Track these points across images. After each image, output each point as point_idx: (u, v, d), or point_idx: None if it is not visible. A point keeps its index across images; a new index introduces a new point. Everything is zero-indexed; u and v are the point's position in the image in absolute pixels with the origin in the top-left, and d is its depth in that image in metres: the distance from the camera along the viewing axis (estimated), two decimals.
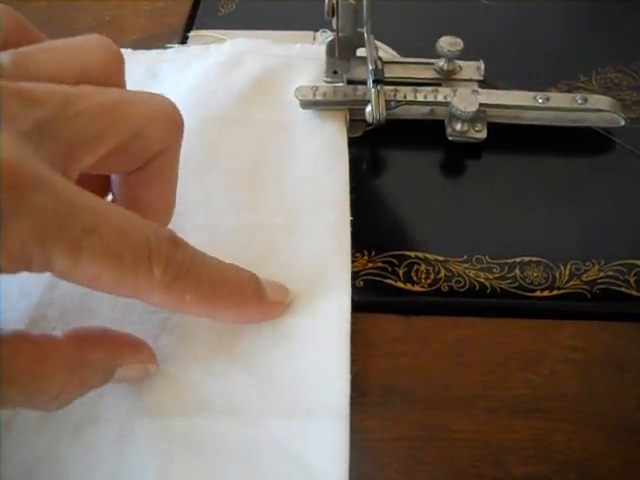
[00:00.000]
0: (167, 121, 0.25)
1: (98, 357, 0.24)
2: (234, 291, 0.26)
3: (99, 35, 0.26)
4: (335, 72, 0.37)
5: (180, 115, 0.26)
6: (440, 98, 0.35)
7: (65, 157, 0.22)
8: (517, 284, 0.30)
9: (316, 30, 0.41)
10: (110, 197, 0.28)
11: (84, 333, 0.24)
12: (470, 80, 0.37)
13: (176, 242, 0.23)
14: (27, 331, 0.22)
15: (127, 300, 0.28)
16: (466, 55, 0.36)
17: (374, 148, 0.36)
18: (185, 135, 0.34)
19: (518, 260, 0.31)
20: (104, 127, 0.23)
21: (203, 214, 0.31)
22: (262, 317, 0.28)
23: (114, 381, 0.25)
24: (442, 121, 0.35)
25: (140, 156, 0.25)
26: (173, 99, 0.35)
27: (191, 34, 0.42)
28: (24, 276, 0.29)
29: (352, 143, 0.35)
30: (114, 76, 0.25)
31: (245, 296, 0.26)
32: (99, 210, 0.21)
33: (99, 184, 0.27)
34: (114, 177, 0.27)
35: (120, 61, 0.26)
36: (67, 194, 0.20)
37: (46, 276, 0.29)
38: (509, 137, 0.35)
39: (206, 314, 0.26)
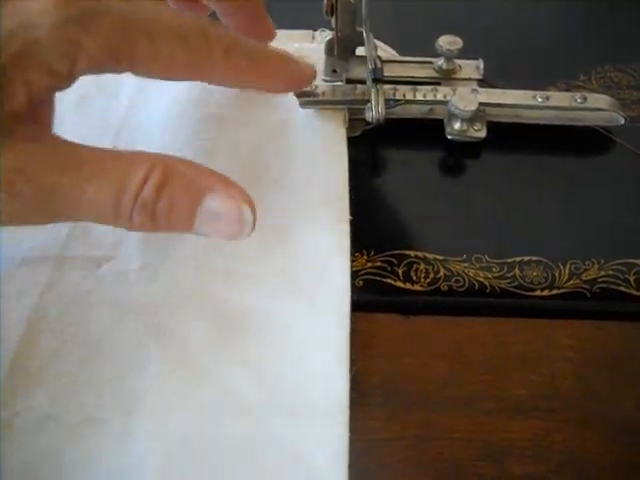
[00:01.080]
0: None
1: (183, 169, 0.25)
2: (275, 55, 0.30)
3: None
4: (334, 71, 0.37)
5: None
6: (439, 97, 0.35)
7: None
8: (516, 283, 0.30)
9: (315, 29, 0.41)
10: None
11: (172, 155, 0.26)
12: (469, 79, 0.37)
13: (223, 26, 0.30)
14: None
15: (125, 302, 0.28)
16: (465, 54, 0.36)
17: (373, 147, 0.36)
18: (183, 135, 0.34)
19: (518, 259, 0.31)
20: None
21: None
22: (300, 79, 0.32)
23: (205, 218, 0.25)
24: (441, 120, 0.35)
25: None
26: (171, 100, 0.36)
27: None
28: (23, 276, 0.29)
29: (351, 142, 0.34)
30: None
31: (284, 59, 0.30)
32: (156, 4, 0.26)
33: None
34: None
35: None
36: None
37: (45, 276, 0.30)
38: (508, 136, 0.35)
39: (258, 82, 0.30)
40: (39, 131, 0.24)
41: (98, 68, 0.24)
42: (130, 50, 0.24)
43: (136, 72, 0.26)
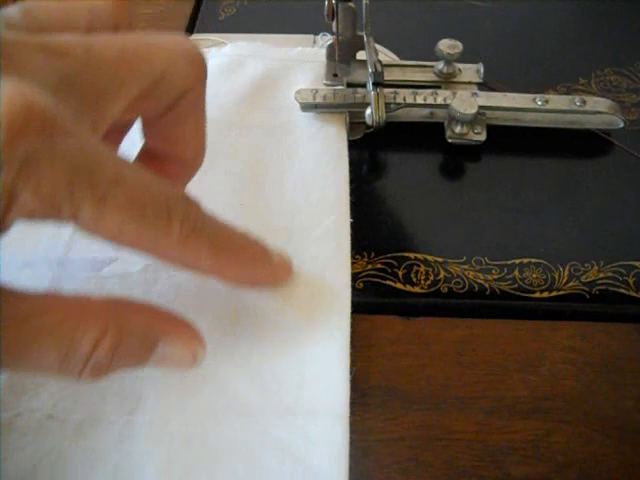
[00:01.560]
0: (189, 60, 0.25)
1: (136, 321, 0.23)
2: (245, 248, 0.26)
3: None
4: (335, 75, 0.38)
5: (202, 53, 0.25)
6: (440, 101, 0.35)
7: (93, 108, 0.22)
8: (516, 285, 0.30)
9: (316, 33, 0.41)
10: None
11: (124, 299, 0.24)
12: (469, 83, 0.37)
13: (192, 201, 0.24)
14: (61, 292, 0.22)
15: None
16: (465, 58, 0.37)
17: (374, 150, 0.36)
18: None
19: (517, 261, 0.31)
20: (129, 74, 0.22)
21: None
22: (270, 278, 0.28)
23: (158, 362, 0.23)
24: (442, 124, 0.35)
25: (166, 98, 0.24)
26: None
27: (192, 38, 0.42)
28: (25, 278, 0.29)
29: (352, 145, 0.35)
30: (123, 15, 0.25)
31: (255, 253, 0.27)
32: (123, 165, 0.21)
33: (113, 136, 0.27)
34: (143, 121, 0.27)
35: (126, 1, 0.25)
36: (93, 145, 0.21)
37: (48, 278, 0.30)
38: (508, 139, 0.35)
39: (218, 272, 0.26)
40: None
41: (32, 219, 0.21)
42: (73, 210, 0.20)
43: (77, 228, 0.22)
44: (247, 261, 0.26)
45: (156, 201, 0.22)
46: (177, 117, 0.26)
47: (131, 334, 0.23)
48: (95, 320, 0.22)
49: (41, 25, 0.22)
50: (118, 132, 0.28)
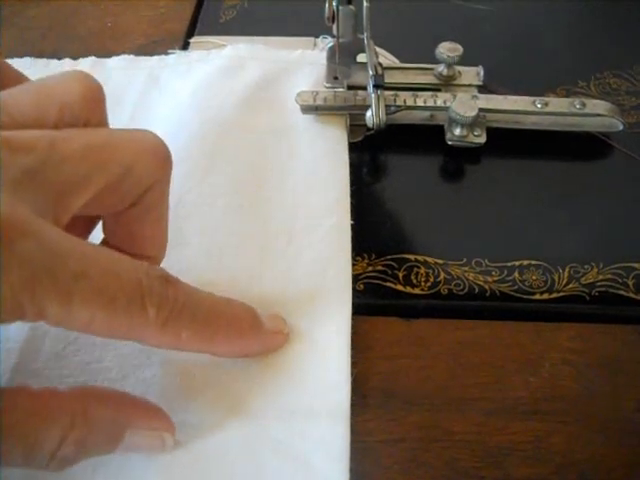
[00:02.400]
0: (154, 155, 0.25)
1: (103, 414, 0.22)
2: (231, 324, 0.26)
3: (78, 71, 0.25)
4: (336, 77, 0.38)
5: (166, 148, 0.25)
6: (440, 103, 0.35)
7: (55, 202, 0.21)
8: (516, 287, 0.30)
9: (317, 36, 0.41)
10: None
11: (90, 389, 0.24)
12: (469, 85, 0.38)
13: (168, 280, 0.23)
14: (28, 385, 0.22)
15: None
16: (466, 61, 0.37)
17: (374, 153, 0.36)
18: (186, 140, 0.34)
19: (517, 263, 0.31)
20: (92, 169, 0.22)
21: (203, 218, 0.32)
22: (262, 348, 0.27)
23: (125, 449, 0.23)
24: (442, 126, 0.36)
25: (130, 193, 0.24)
26: (173, 105, 0.36)
27: (192, 40, 0.42)
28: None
29: (352, 148, 0.35)
30: (94, 112, 0.25)
31: (243, 328, 0.26)
32: (88, 254, 0.21)
33: (83, 225, 0.27)
34: (105, 219, 0.27)
35: (100, 96, 0.25)
36: (54, 241, 0.20)
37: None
38: (508, 142, 0.36)
39: (205, 350, 0.25)
40: None
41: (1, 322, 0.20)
42: (37, 310, 0.20)
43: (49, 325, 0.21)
44: (235, 336, 0.26)
45: (128, 288, 0.21)
46: (140, 212, 0.25)
47: (98, 427, 0.22)
48: (61, 416, 0.21)
49: (12, 120, 0.22)
50: (87, 224, 0.27)
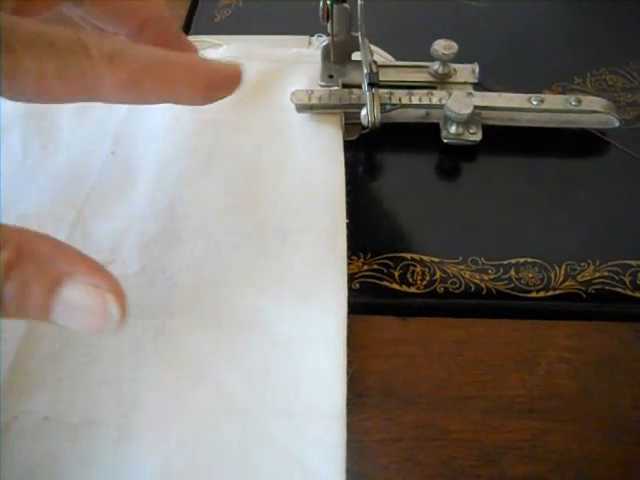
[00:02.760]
0: None
1: (38, 247, 0.21)
2: (181, 55, 0.24)
3: None
4: (331, 76, 0.38)
5: None
6: (435, 101, 0.35)
7: None
8: (512, 285, 0.30)
9: (312, 35, 0.41)
10: None
11: (28, 228, 0.21)
12: (465, 83, 0.37)
13: (105, 33, 0.24)
14: None
15: None
16: (461, 58, 0.37)
17: (370, 151, 0.36)
18: (181, 139, 0.34)
19: (513, 261, 0.31)
20: None
21: (199, 218, 0.32)
22: (221, 80, 0.25)
23: (64, 312, 0.21)
24: (437, 124, 0.35)
25: None
26: (169, 106, 0.36)
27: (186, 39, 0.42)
28: None
29: (348, 146, 0.35)
30: None
31: (193, 58, 0.25)
32: (12, 17, 0.21)
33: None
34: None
35: None
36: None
37: None
38: (504, 139, 0.35)
39: (165, 87, 0.23)
40: None
41: None
42: None
43: (4, 95, 0.21)
44: (187, 65, 0.24)
45: (64, 35, 0.21)
46: None
47: (32, 257, 0.20)
48: None
49: None
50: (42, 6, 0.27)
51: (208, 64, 0.25)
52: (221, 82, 0.25)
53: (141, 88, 0.23)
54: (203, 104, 0.25)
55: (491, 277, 0.31)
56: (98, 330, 0.21)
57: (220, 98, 0.25)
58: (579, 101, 0.35)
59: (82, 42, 0.21)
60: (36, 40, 0.20)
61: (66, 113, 0.36)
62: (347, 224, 0.31)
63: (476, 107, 0.34)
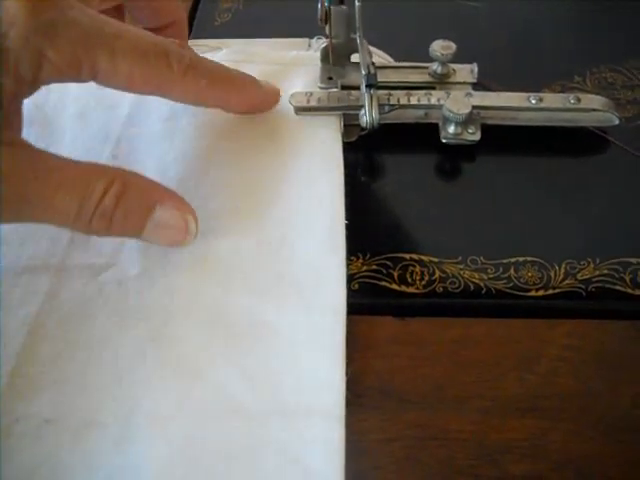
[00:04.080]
0: None
1: (138, 182, 0.28)
2: (237, 77, 0.32)
3: None
4: (330, 78, 0.38)
5: None
6: (433, 101, 0.35)
7: None
8: (512, 284, 0.30)
9: (311, 37, 0.41)
10: None
11: (124, 169, 0.28)
12: (464, 83, 0.37)
13: (184, 46, 0.30)
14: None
15: (124, 308, 0.29)
16: (460, 58, 0.37)
17: (369, 152, 0.36)
18: (181, 143, 0.35)
19: (513, 260, 0.31)
20: None
21: (198, 220, 0.32)
22: (264, 101, 0.35)
23: (154, 230, 0.28)
24: (436, 124, 0.35)
25: None
26: (170, 108, 0.36)
27: (188, 43, 0.42)
28: (24, 284, 0.30)
29: (347, 148, 0.35)
30: None
31: (247, 81, 0.33)
32: (120, 24, 0.28)
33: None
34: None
35: None
36: (94, 13, 0.27)
37: (46, 284, 0.30)
38: (503, 138, 0.35)
39: (220, 100, 0.32)
40: (11, 137, 0.25)
41: (60, 77, 0.26)
42: (91, 63, 0.26)
43: (98, 83, 0.28)
44: (241, 87, 0.33)
45: (154, 47, 0.28)
46: None
47: (133, 189, 0.27)
48: (103, 175, 0.26)
49: None
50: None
51: (258, 88, 0.34)
52: (263, 104, 0.35)
53: (203, 99, 0.32)
54: (245, 113, 0.34)
55: (490, 276, 0.31)
56: (178, 243, 0.29)
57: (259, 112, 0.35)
58: (578, 99, 0.35)
59: (167, 54, 0.28)
60: (133, 49, 0.27)
61: (68, 117, 0.37)
62: (346, 225, 0.31)
63: (475, 107, 0.34)
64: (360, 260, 0.31)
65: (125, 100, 0.38)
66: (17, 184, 0.24)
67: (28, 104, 0.27)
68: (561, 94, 0.36)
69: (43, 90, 0.27)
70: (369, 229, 0.32)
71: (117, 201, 0.26)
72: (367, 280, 0.31)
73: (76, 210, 0.25)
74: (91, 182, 0.26)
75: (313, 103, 0.35)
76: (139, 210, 0.27)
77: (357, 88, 0.36)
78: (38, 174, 0.25)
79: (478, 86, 0.37)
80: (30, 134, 0.36)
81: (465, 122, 0.34)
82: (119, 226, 0.27)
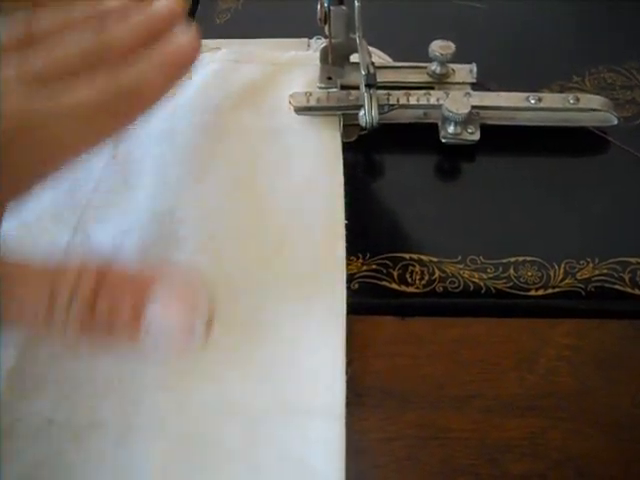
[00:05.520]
0: None
1: (117, 273, 0.21)
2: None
3: None
4: (329, 78, 0.38)
5: None
6: (433, 101, 0.35)
7: None
8: (511, 284, 0.30)
9: (311, 37, 0.41)
10: None
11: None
12: (463, 83, 0.37)
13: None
14: None
15: None
16: (459, 58, 0.37)
17: (368, 152, 0.36)
18: (180, 143, 0.35)
19: (512, 260, 0.31)
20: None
21: (198, 221, 0.32)
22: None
23: (152, 331, 0.20)
24: (436, 124, 0.35)
25: None
26: (168, 108, 0.36)
27: None
28: None
29: (347, 147, 0.35)
30: None
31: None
32: None
33: None
34: None
35: None
36: None
37: None
38: (502, 138, 0.35)
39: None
40: None
41: None
42: None
43: None
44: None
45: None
46: None
47: (115, 274, 0.21)
48: (72, 268, 0.20)
49: None
50: None
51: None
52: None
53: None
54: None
55: (490, 276, 0.31)
56: (186, 343, 0.21)
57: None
58: (577, 99, 0.35)
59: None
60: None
61: None
62: (346, 225, 0.31)
63: (474, 107, 0.34)
64: (360, 260, 0.31)
65: None
66: None
67: None
68: (560, 94, 0.36)
69: None
70: (369, 229, 0.32)
71: (97, 285, 0.20)
72: (367, 280, 0.31)
73: (45, 304, 0.20)
74: (61, 271, 0.21)
75: (313, 103, 0.35)
76: (128, 300, 0.21)
77: (356, 88, 0.36)
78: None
79: (477, 86, 0.37)
80: None
81: (464, 122, 0.34)
82: (105, 323, 0.20)
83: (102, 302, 0.20)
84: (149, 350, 0.21)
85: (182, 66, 0.26)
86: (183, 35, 0.27)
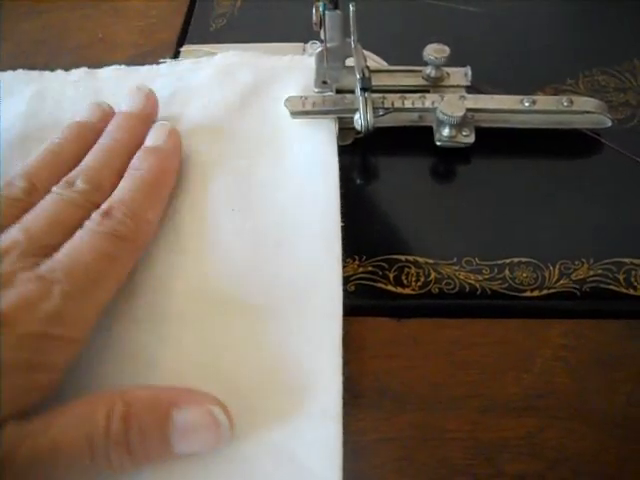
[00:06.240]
0: None
1: (141, 394, 0.25)
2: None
3: None
4: (324, 82, 0.38)
5: None
6: (428, 104, 0.35)
7: None
8: (507, 285, 0.30)
9: (306, 42, 0.42)
10: None
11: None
12: (458, 86, 0.38)
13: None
14: None
15: (127, 306, 0.29)
16: (453, 62, 0.37)
17: (364, 155, 0.36)
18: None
19: (507, 261, 0.31)
20: None
21: (196, 225, 0.32)
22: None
23: (182, 435, 0.24)
24: (431, 127, 0.36)
25: None
26: (166, 114, 0.36)
27: (183, 49, 0.43)
28: None
29: (342, 151, 0.35)
30: None
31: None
32: None
33: None
34: None
35: None
36: None
37: None
38: (497, 141, 0.36)
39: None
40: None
41: None
42: None
43: None
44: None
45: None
46: None
47: (139, 402, 0.24)
48: (101, 400, 0.24)
49: None
50: None
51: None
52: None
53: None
54: None
55: (485, 277, 0.31)
56: (216, 442, 0.25)
57: None
58: (571, 102, 0.35)
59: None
60: None
61: (67, 123, 0.37)
62: (342, 227, 0.31)
63: (469, 109, 0.35)
64: (356, 262, 0.31)
65: (123, 102, 0.38)
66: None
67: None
68: (554, 97, 0.36)
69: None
70: (365, 231, 0.33)
71: (126, 420, 0.23)
72: (363, 282, 0.31)
73: (87, 447, 0.22)
74: (89, 410, 0.23)
75: (308, 107, 0.35)
76: (154, 421, 0.24)
77: (352, 92, 0.36)
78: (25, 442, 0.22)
79: (472, 89, 0.38)
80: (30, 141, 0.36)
81: (459, 125, 0.35)
82: (142, 450, 0.23)
83: (134, 430, 0.23)
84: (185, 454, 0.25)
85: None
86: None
